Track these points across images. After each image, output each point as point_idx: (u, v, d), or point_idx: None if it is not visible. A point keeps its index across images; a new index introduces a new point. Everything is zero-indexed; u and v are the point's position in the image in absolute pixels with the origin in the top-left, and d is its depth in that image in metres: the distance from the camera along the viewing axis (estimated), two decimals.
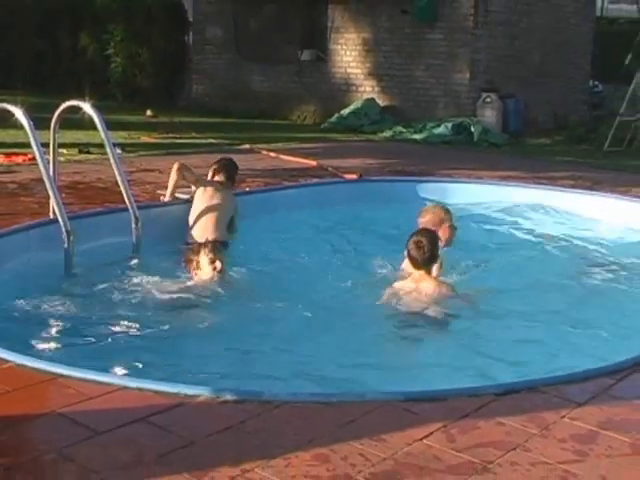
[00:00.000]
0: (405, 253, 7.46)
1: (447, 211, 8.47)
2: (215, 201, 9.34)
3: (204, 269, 7.55)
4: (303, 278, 8.37)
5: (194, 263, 7.63)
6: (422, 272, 7.37)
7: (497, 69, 21.13)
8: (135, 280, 7.75)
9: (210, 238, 8.86)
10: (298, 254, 9.20)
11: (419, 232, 7.51)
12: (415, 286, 7.38)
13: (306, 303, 7.58)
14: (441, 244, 8.09)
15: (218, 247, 7.85)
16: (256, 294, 7.58)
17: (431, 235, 7.44)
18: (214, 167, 9.74)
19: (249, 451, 4.02)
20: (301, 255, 9.17)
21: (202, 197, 9.33)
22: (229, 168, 9.80)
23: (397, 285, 7.51)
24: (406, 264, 7.96)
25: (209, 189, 9.40)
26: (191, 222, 9.25)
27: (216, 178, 9.64)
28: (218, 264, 7.51)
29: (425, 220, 8.34)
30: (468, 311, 7.33)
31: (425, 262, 7.34)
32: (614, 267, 9.00)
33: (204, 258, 7.56)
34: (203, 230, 9.05)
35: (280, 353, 6.31)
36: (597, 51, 24.77)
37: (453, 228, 8.38)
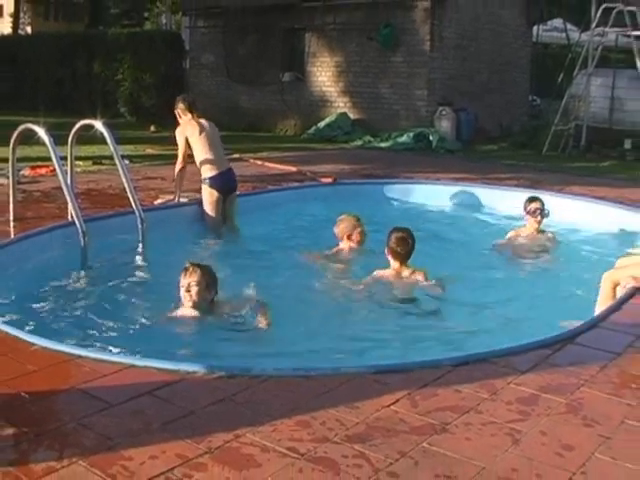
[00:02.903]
0: (386, 250, 7.45)
1: (358, 219, 8.37)
2: (212, 134, 9.63)
3: (182, 291, 6.20)
4: (284, 266, 8.36)
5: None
6: (400, 264, 7.38)
7: (451, 86, 21.19)
8: (141, 272, 7.75)
9: (225, 168, 9.48)
10: (281, 245, 9.21)
11: (398, 229, 7.46)
12: (395, 273, 7.39)
13: (288, 287, 7.62)
14: (354, 245, 8.15)
15: (207, 279, 6.22)
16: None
17: (409, 232, 7.42)
18: (184, 106, 9.78)
19: (240, 419, 4.00)
20: (284, 246, 9.18)
21: (201, 139, 9.51)
22: (193, 101, 10.10)
23: (378, 273, 7.51)
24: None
25: (202, 131, 9.57)
26: (205, 159, 9.44)
27: (192, 115, 9.73)
28: (186, 296, 6.13)
29: (340, 228, 8.32)
30: (436, 295, 7.33)
31: (406, 255, 7.36)
32: (551, 255, 9.02)
33: (184, 280, 6.17)
34: (215, 163, 9.42)
35: (266, 332, 6.28)
36: (535, 71, 24.91)
37: (363, 233, 8.31)
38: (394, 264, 7.40)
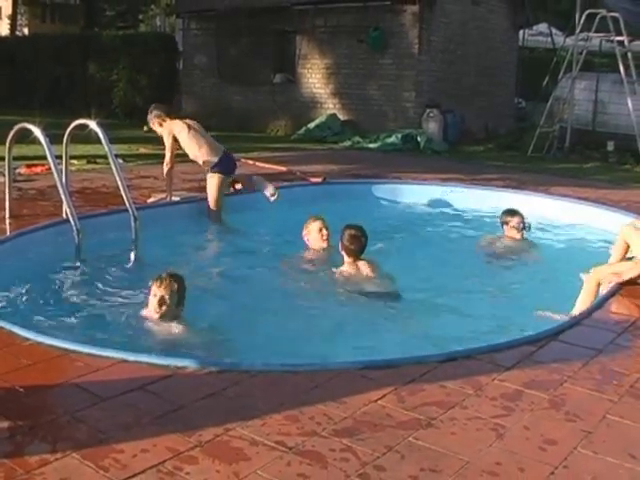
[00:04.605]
0: (340, 247, 7.48)
1: (324, 221, 8.26)
2: (200, 128, 9.85)
3: (153, 300, 5.89)
4: (268, 266, 8.37)
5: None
6: (354, 259, 7.41)
7: (438, 88, 21.21)
8: (133, 269, 7.74)
9: (222, 153, 9.69)
10: (269, 244, 9.21)
11: (351, 227, 7.48)
12: (354, 268, 7.41)
13: (267, 287, 7.63)
14: (324, 242, 8.14)
15: (180, 294, 5.91)
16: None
17: (361, 229, 7.45)
18: (161, 112, 9.81)
19: (230, 413, 4.00)
20: (272, 245, 9.18)
21: (192, 134, 9.67)
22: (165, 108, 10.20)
23: (340, 269, 7.52)
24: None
25: (191, 127, 9.75)
26: (203, 151, 9.64)
27: (171, 117, 9.89)
28: (157, 307, 5.82)
29: (310, 230, 8.25)
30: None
31: (359, 251, 7.40)
32: (531, 256, 9.02)
33: (157, 290, 5.86)
34: (213, 150, 9.68)
35: (254, 330, 6.27)
36: (520, 74, 24.94)
37: (328, 234, 8.17)
38: (348, 259, 7.46)
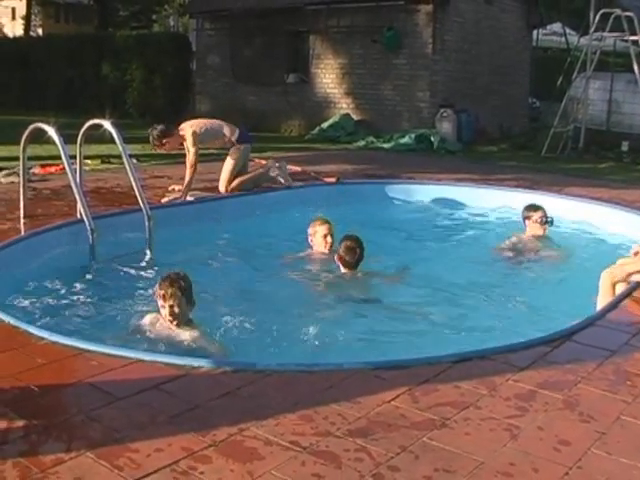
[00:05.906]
0: (336, 257, 7.46)
1: (330, 227, 8.18)
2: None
3: (164, 311, 5.66)
4: (278, 266, 8.36)
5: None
6: (350, 271, 7.40)
7: (452, 88, 21.21)
8: (147, 268, 7.74)
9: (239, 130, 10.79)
10: (282, 244, 9.19)
11: (349, 238, 7.45)
12: (349, 276, 7.41)
13: (275, 288, 7.63)
14: (326, 249, 8.10)
15: (186, 293, 5.65)
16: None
17: (358, 241, 7.41)
18: (165, 127, 10.26)
19: (245, 413, 4.01)
20: (279, 244, 9.16)
21: (213, 121, 10.76)
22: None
23: (337, 274, 7.53)
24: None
25: (206, 120, 10.88)
26: (226, 131, 10.60)
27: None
28: (170, 318, 5.60)
29: (315, 232, 8.20)
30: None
31: (354, 264, 7.38)
32: (549, 257, 8.98)
33: (163, 302, 5.62)
34: (233, 128, 10.73)
35: (268, 332, 6.26)
36: (534, 74, 24.91)
37: (332, 242, 8.09)
38: (344, 270, 7.44)
